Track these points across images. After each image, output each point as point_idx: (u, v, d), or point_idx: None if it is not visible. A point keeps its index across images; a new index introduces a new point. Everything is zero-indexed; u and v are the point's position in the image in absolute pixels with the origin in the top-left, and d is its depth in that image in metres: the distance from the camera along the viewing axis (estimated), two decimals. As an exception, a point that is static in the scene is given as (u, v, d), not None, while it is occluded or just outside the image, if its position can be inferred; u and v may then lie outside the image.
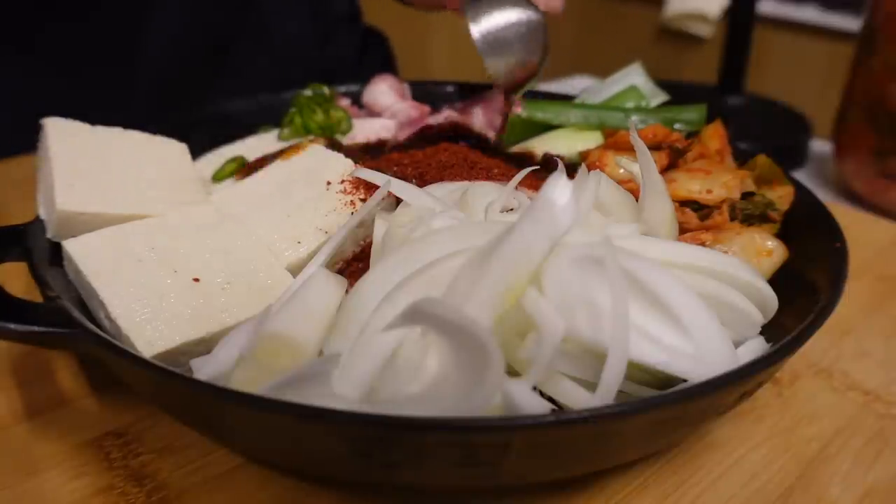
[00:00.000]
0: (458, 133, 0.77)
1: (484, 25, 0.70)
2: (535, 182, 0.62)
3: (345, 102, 0.82)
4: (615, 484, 0.46)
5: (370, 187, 0.58)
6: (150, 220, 0.53)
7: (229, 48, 1.03)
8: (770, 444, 0.50)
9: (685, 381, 0.40)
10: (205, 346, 0.46)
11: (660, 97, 0.79)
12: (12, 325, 0.42)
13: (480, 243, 0.41)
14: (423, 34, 2.77)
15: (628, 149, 0.62)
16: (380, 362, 0.38)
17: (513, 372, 0.40)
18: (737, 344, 0.45)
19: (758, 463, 0.48)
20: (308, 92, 0.77)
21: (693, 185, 0.59)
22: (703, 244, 0.55)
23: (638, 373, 0.42)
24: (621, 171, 0.62)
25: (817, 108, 1.40)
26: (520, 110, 0.76)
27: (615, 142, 0.65)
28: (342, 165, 0.60)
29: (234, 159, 0.69)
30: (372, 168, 0.61)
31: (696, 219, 0.58)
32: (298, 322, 0.43)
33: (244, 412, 0.37)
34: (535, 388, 0.38)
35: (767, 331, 0.48)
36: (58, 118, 0.58)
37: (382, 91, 0.83)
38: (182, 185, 0.59)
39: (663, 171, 0.62)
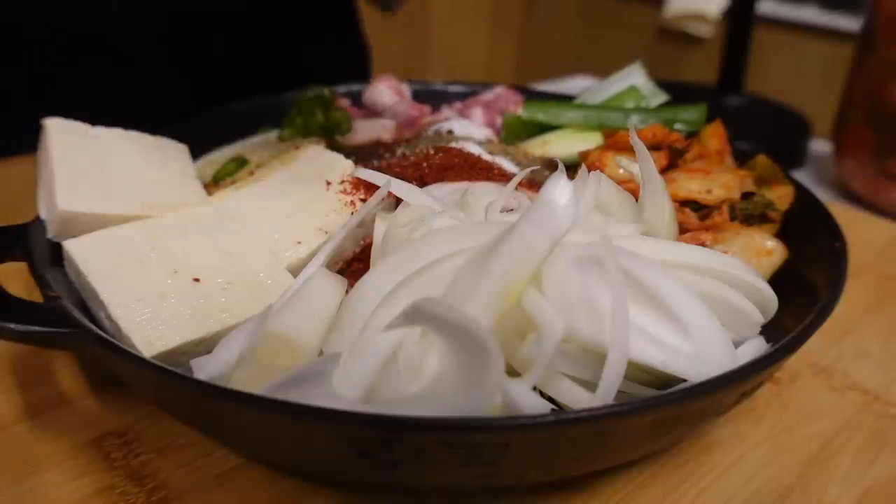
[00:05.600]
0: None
1: None
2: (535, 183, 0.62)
3: (345, 103, 0.82)
4: (615, 484, 0.46)
5: (370, 187, 0.59)
6: (150, 221, 0.53)
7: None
8: (770, 443, 0.50)
9: (685, 381, 0.40)
10: (205, 346, 0.46)
11: (660, 97, 0.79)
12: (12, 325, 0.42)
13: (480, 243, 0.41)
14: (423, 35, 2.77)
15: (628, 149, 0.62)
16: (380, 362, 0.38)
17: (513, 372, 0.40)
18: (737, 344, 0.45)
19: (758, 463, 0.48)
20: (308, 93, 0.77)
21: (693, 185, 0.59)
22: (703, 244, 0.55)
23: (638, 373, 0.42)
24: (621, 171, 0.62)
25: (817, 108, 1.40)
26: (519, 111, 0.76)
27: (615, 142, 0.65)
28: (342, 166, 0.60)
29: (234, 159, 0.69)
30: (372, 168, 0.61)
31: (695, 219, 0.58)
32: (298, 322, 0.43)
33: (244, 412, 0.37)
34: (535, 388, 0.38)
35: (767, 331, 0.48)
36: (58, 118, 0.58)
37: (382, 91, 0.83)
38: (182, 185, 0.59)
39: (663, 171, 0.62)
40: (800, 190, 0.62)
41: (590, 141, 0.70)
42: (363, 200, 0.58)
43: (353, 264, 0.56)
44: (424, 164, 0.62)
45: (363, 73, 1.24)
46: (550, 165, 0.67)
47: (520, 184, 0.56)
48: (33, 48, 0.91)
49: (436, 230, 0.46)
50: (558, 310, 0.38)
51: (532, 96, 0.83)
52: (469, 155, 0.64)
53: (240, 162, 0.69)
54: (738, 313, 0.45)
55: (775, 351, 0.42)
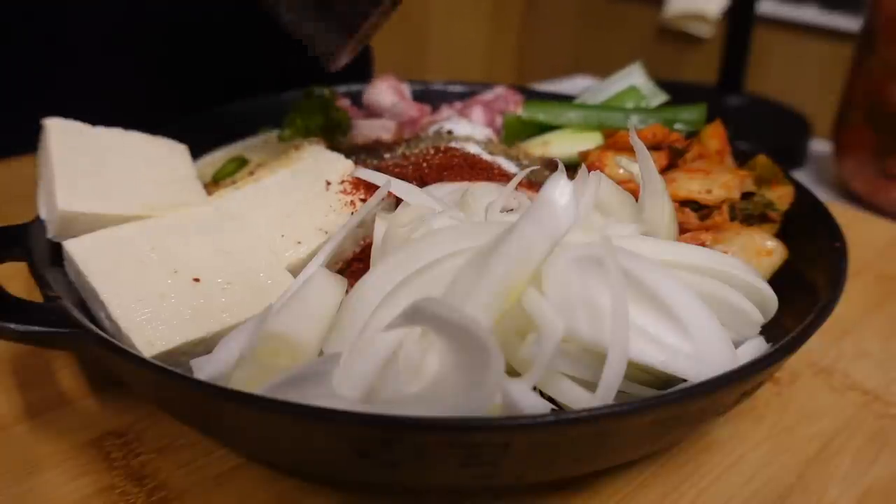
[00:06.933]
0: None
1: None
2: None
3: (345, 103, 0.82)
4: (615, 484, 0.46)
5: (370, 187, 0.59)
6: (150, 221, 0.53)
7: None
8: (770, 443, 0.50)
9: (685, 381, 0.40)
10: (205, 346, 0.46)
11: (660, 97, 0.79)
12: (12, 325, 0.42)
13: (480, 243, 0.41)
14: (422, 34, 2.77)
15: (628, 149, 0.62)
16: (380, 362, 0.38)
17: (513, 372, 0.40)
18: (737, 344, 0.45)
19: (758, 463, 0.48)
20: (308, 93, 0.77)
21: (693, 185, 0.59)
22: (703, 244, 0.55)
23: (638, 373, 0.42)
24: (621, 171, 0.62)
25: (817, 108, 1.40)
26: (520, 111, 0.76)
27: (615, 142, 0.65)
28: (342, 166, 0.60)
29: (234, 159, 0.70)
30: (372, 168, 0.61)
31: (695, 219, 0.58)
32: (298, 322, 0.43)
33: (244, 412, 0.37)
34: (535, 388, 0.38)
35: (767, 331, 0.48)
36: (58, 118, 0.58)
37: (382, 91, 0.83)
38: (182, 185, 0.59)
39: (663, 171, 0.62)
40: (800, 190, 0.62)
41: (590, 141, 0.70)
42: (363, 200, 0.58)
43: (353, 264, 0.56)
44: (424, 164, 0.62)
45: (365, 75, 1.24)
46: (550, 165, 0.67)
47: (520, 184, 0.56)
48: (33, 48, 0.91)
49: (436, 230, 0.46)
50: (558, 310, 0.38)
51: (532, 96, 0.83)
52: (469, 155, 0.64)
53: (240, 162, 0.69)
54: (738, 313, 0.45)
55: (775, 351, 0.42)
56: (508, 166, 0.66)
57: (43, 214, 0.54)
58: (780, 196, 0.62)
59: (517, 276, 0.39)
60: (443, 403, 0.35)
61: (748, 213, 0.60)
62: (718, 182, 0.59)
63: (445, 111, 0.81)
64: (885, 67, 0.86)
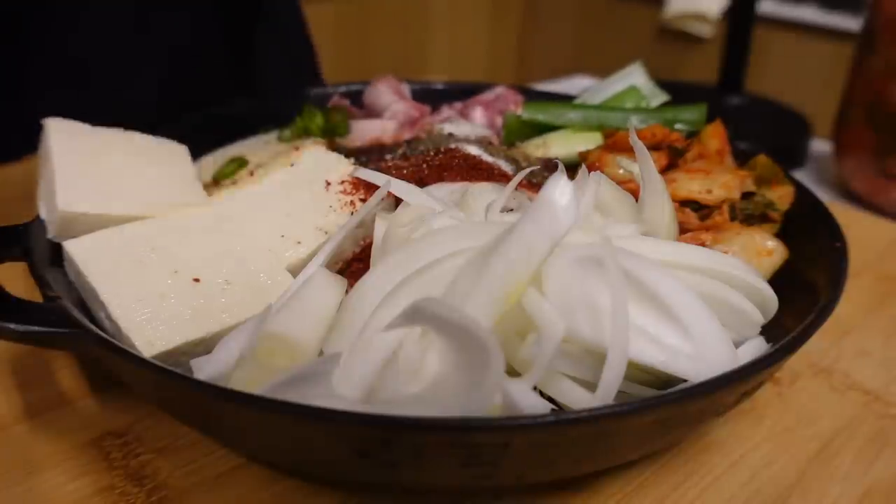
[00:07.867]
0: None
1: None
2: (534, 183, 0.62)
3: (345, 103, 0.82)
4: (615, 484, 0.46)
5: (370, 188, 0.59)
6: (150, 221, 0.53)
7: None
8: (770, 444, 0.50)
9: (685, 381, 0.40)
10: (205, 346, 0.46)
11: (660, 97, 0.79)
12: (12, 325, 0.42)
13: (481, 243, 0.41)
14: (422, 34, 2.77)
15: (628, 149, 0.62)
16: (380, 362, 0.38)
17: (513, 372, 0.40)
18: (737, 344, 0.45)
19: (758, 463, 0.48)
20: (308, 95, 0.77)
21: (693, 185, 0.59)
22: (703, 244, 0.55)
23: (638, 373, 0.42)
24: (621, 171, 0.62)
25: (817, 108, 1.39)
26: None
27: (615, 142, 0.65)
28: (342, 166, 0.60)
29: (234, 159, 0.69)
30: (372, 169, 0.61)
31: (696, 219, 0.58)
32: (298, 322, 0.43)
33: (244, 412, 0.37)
34: (535, 388, 0.38)
35: (767, 331, 0.48)
36: (59, 118, 0.58)
37: (382, 91, 0.83)
38: (183, 186, 0.59)
39: (663, 171, 0.62)
40: (800, 190, 0.62)
41: (590, 141, 0.70)
42: (363, 200, 0.58)
43: (353, 264, 0.56)
44: (424, 165, 0.62)
45: (313, 72, 1.24)
46: (550, 166, 0.67)
47: (520, 184, 0.56)
48: (34, 49, 0.91)
49: (436, 230, 0.46)
50: (559, 310, 0.38)
51: (532, 96, 0.83)
52: (469, 156, 0.64)
53: (240, 162, 0.69)
54: (739, 313, 0.45)
55: (775, 351, 0.42)
56: (508, 167, 0.66)
57: (43, 214, 0.54)
58: (781, 196, 0.62)
59: (517, 277, 0.39)
60: (443, 403, 0.35)
61: (748, 213, 0.60)
62: (718, 182, 0.59)
63: (445, 111, 0.81)
64: (885, 67, 0.86)
